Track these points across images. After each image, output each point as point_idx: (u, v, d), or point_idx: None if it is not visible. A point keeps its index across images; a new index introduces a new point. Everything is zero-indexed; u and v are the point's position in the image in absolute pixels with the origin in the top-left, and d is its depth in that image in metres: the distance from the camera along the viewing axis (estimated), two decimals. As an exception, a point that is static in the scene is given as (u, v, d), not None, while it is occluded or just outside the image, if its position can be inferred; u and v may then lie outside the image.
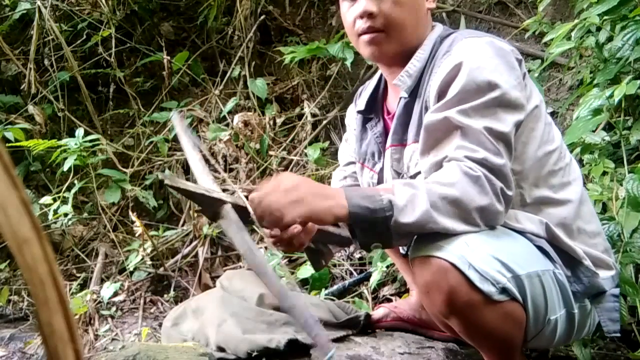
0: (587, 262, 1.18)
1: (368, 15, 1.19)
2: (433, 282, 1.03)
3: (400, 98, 1.27)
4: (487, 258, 1.02)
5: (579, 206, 1.22)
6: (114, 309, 2.38)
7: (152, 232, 2.57)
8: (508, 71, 1.11)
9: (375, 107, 1.41)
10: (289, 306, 0.91)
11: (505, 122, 1.08)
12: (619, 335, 1.24)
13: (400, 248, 1.50)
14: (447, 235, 1.03)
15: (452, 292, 1.01)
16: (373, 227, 1.03)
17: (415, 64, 1.23)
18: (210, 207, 1.06)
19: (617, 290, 1.24)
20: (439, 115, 1.10)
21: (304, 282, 2.14)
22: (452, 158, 1.06)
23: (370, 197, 1.03)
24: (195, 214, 2.63)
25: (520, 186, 1.18)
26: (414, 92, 1.24)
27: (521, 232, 1.14)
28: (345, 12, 1.26)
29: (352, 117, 1.52)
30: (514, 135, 1.11)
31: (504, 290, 1.03)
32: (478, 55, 1.11)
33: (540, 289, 1.08)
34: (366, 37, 1.21)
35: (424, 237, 1.06)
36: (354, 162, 1.50)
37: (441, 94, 1.13)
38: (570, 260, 1.17)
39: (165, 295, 2.45)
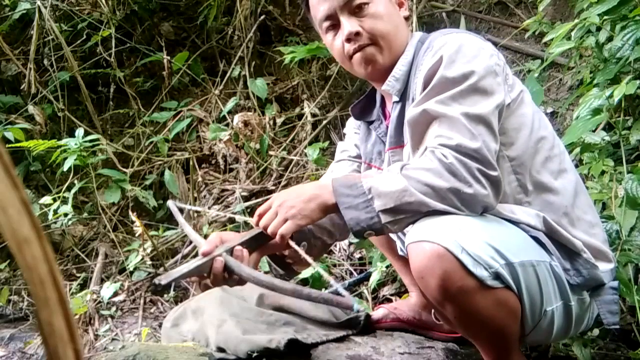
0: (587, 254, 1.19)
1: (354, 35, 1.24)
2: (427, 267, 1.04)
3: (393, 103, 1.31)
4: (480, 243, 1.04)
5: (576, 195, 1.25)
6: (114, 309, 2.38)
7: (152, 232, 2.57)
8: (484, 60, 1.15)
9: (375, 111, 1.45)
10: (307, 294, 1.01)
11: (483, 106, 1.11)
12: (618, 327, 1.25)
13: (398, 249, 1.50)
14: (440, 221, 1.05)
15: (446, 277, 1.02)
16: (357, 211, 1.09)
17: (400, 68, 1.28)
18: (209, 270, 1.12)
19: (616, 283, 1.25)
20: (418, 109, 1.14)
21: (304, 282, 2.14)
22: (430, 147, 1.11)
23: (352, 185, 1.11)
24: (196, 214, 2.63)
25: (517, 172, 1.20)
26: (405, 95, 1.28)
27: (517, 223, 1.15)
28: (330, 42, 1.32)
29: (351, 128, 1.57)
30: (499, 118, 1.15)
31: (497, 277, 1.05)
32: (455, 48, 1.15)
33: (534, 279, 1.09)
34: (358, 55, 1.27)
35: (418, 224, 1.08)
36: (359, 157, 1.52)
37: (424, 88, 1.17)
38: (569, 252, 1.18)
39: (165, 295, 2.45)
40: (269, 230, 1.14)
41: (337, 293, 1.00)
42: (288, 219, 1.13)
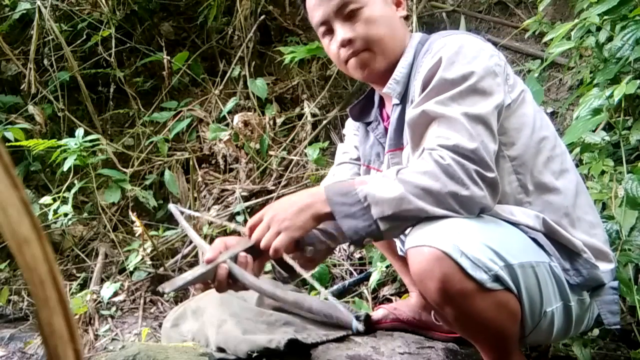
0: (587, 254, 1.19)
1: (347, 41, 1.24)
2: (426, 271, 1.04)
3: (393, 105, 1.30)
4: (479, 246, 1.03)
5: (577, 195, 1.24)
6: (114, 309, 2.38)
7: (152, 232, 2.57)
8: (483, 61, 1.14)
9: (373, 112, 1.45)
10: (308, 307, 0.97)
11: (482, 106, 1.11)
12: (619, 327, 1.24)
13: (398, 249, 1.50)
14: (439, 225, 1.05)
15: (445, 280, 1.02)
16: (355, 220, 1.07)
17: (401, 71, 1.27)
18: (213, 277, 1.10)
19: (616, 283, 1.25)
20: (417, 110, 1.14)
21: (303, 282, 2.14)
22: (428, 148, 1.10)
23: (347, 193, 1.09)
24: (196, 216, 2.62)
25: (517, 172, 1.19)
26: (405, 97, 1.28)
27: (516, 225, 1.15)
28: (327, 46, 1.32)
29: (351, 130, 1.56)
30: (498, 119, 1.14)
31: (497, 279, 1.04)
32: (455, 49, 1.15)
33: (534, 280, 1.09)
34: (353, 61, 1.27)
35: (417, 228, 1.07)
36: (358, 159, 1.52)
37: (423, 89, 1.17)
38: (569, 252, 1.18)
39: (165, 296, 2.45)
40: (262, 245, 1.11)
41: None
42: (281, 231, 1.10)
